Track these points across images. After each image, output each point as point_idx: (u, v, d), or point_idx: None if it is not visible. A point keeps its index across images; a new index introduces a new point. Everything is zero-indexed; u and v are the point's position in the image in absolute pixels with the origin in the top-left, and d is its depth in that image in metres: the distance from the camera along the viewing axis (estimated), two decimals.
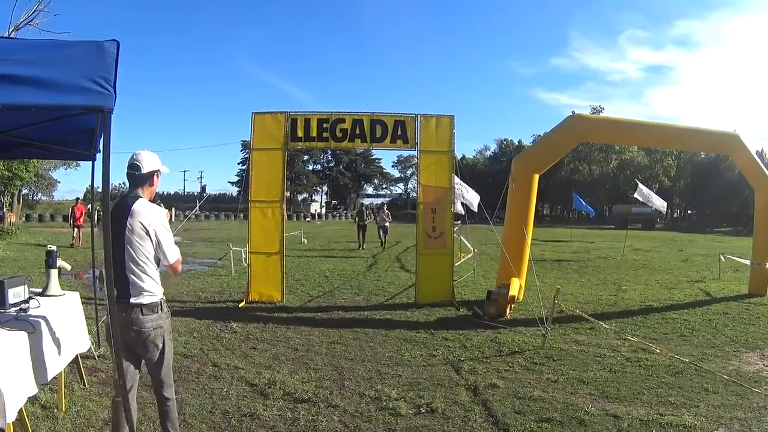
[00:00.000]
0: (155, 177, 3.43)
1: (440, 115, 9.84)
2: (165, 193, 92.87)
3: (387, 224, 23.35)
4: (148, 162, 3.38)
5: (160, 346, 3.34)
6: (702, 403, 4.92)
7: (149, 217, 3.24)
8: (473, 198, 15.08)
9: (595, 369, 5.97)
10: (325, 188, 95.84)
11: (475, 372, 5.84)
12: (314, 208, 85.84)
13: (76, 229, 21.21)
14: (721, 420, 4.55)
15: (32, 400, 4.48)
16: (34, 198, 61.11)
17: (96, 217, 14.21)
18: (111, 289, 2.98)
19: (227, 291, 10.96)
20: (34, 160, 24.22)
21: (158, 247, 3.28)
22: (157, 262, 3.36)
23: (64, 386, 4.51)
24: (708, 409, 4.79)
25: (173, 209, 35.87)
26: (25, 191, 52.24)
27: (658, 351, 6.26)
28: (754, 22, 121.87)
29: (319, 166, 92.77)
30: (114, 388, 3.47)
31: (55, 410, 4.40)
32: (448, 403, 4.88)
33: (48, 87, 2.68)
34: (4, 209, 33.17)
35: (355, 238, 23.73)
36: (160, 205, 3.50)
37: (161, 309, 3.34)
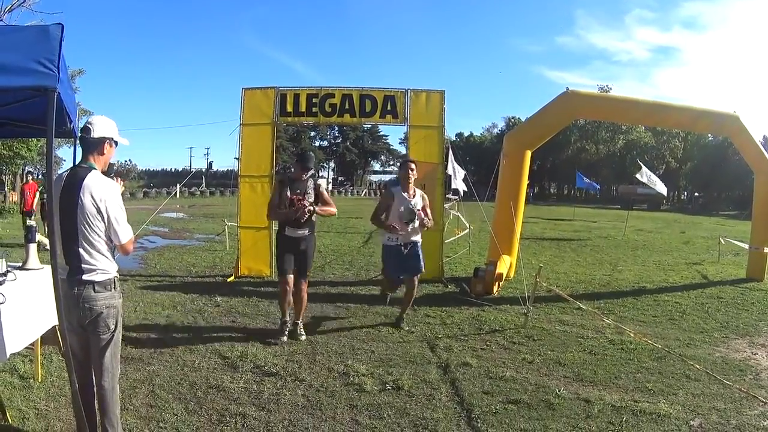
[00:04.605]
0: (106, 145, 3.21)
1: (430, 89, 9.67)
2: (174, 170, 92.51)
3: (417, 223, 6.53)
4: (100, 126, 3.18)
5: (112, 327, 3.17)
6: (681, 391, 4.72)
7: (101, 193, 3.05)
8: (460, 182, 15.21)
9: (575, 350, 5.84)
10: (332, 164, 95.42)
11: (450, 350, 5.76)
12: (321, 184, 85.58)
13: (28, 218, 13.85)
14: (698, 410, 4.33)
15: (11, 370, 4.60)
16: (40, 177, 61.05)
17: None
18: (55, 269, 2.86)
19: (219, 266, 10.94)
20: (34, 140, 23.93)
21: (109, 225, 3.10)
22: (111, 239, 3.17)
23: (41, 356, 4.57)
24: (686, 398, 4.58)
25: (178, 185, 35.30)
26: (30, 170, 52.01)
27: (632, 334, 6.09)
28: (762, 6, 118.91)
29: (325, 143, 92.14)
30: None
31: (32, 380, 4.45)
32: (415, 380, 4.81)
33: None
34: (6, 188, 32.99)
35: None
36: (114, 179, 3.32)
37: (114, 287, 3.18)
